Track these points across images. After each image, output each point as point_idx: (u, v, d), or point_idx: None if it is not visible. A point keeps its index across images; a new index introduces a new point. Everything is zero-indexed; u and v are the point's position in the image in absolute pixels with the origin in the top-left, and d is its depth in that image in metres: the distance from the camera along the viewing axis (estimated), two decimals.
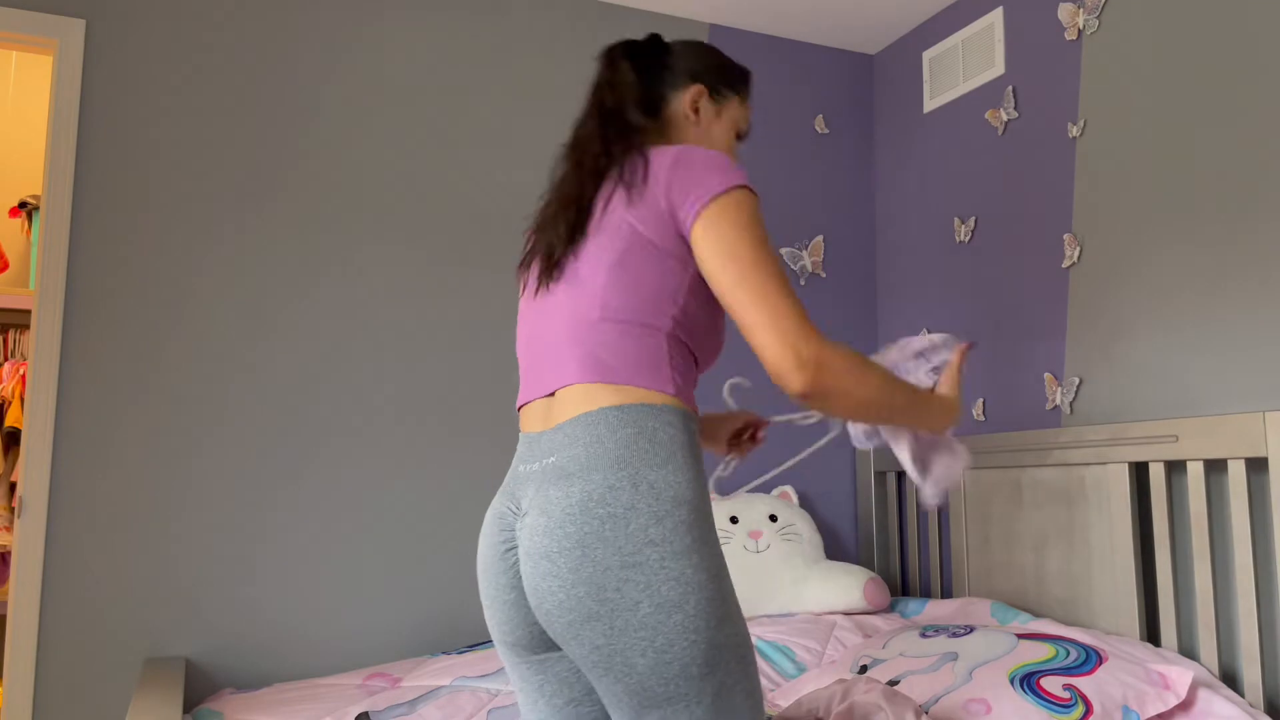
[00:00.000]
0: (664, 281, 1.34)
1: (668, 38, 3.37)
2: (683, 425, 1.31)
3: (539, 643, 1.34)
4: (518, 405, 1.45)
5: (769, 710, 2.08)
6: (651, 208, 1.34)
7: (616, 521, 1.20)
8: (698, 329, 1.37)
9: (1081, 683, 2.00)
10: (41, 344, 2.57)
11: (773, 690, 2.41)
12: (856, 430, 1.58)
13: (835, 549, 3.42)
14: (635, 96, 1.48)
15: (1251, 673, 2.18)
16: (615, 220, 1.36)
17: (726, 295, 1.29)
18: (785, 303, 1.26)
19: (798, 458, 1.55)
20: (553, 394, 1.36)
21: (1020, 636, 2.22)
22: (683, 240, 1.34)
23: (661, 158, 1.36)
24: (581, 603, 1.20)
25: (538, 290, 1.43)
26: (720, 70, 1.56)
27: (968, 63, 3.24)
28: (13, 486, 3.78)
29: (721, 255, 1.29)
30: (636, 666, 1.19)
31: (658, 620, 1.19)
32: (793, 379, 1.24)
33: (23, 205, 3.93)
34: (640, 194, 1.35)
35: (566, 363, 1.34)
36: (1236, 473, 2.22)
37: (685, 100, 1.52)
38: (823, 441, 1.66)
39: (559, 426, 1.32)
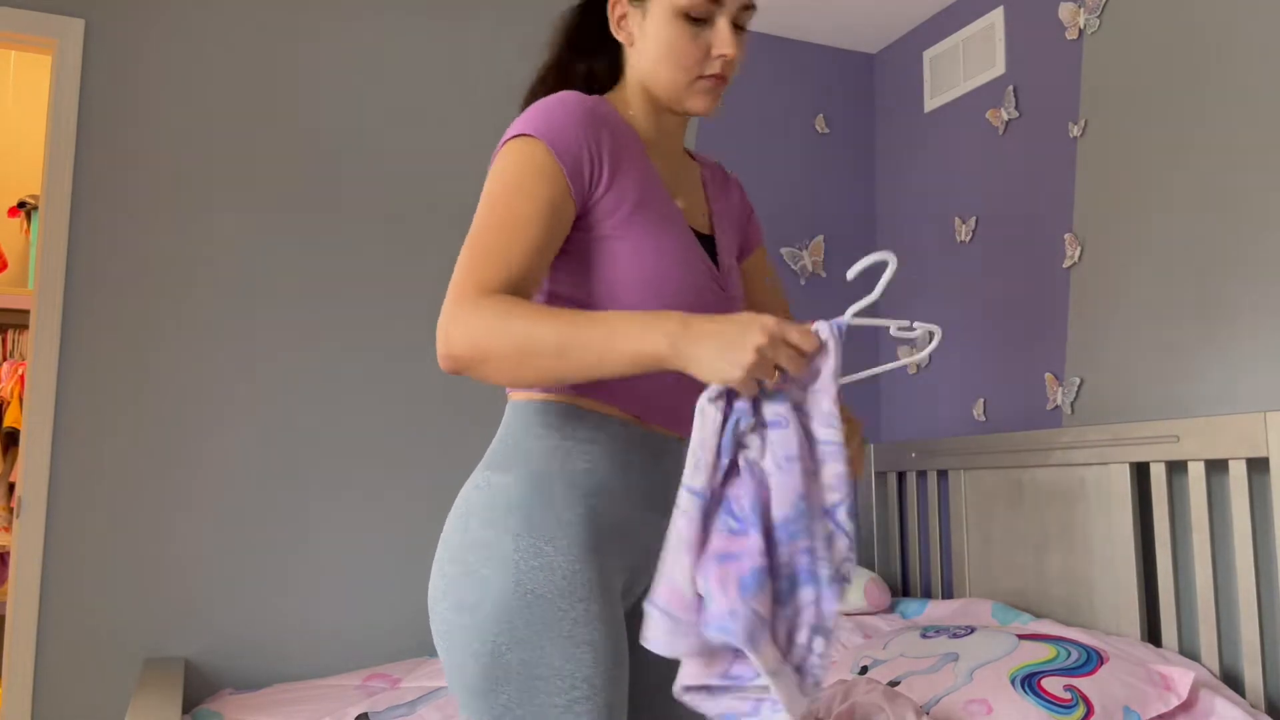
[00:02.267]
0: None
1: None
2: (547, 424, 1.18)
3: None
4: None
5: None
6: None
7: (459, 520, 1.16)
8: (595, 305, 1.18)
9: (1082, 683, 1.99)
10: (41, 344, 2.57)
11: None
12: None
13: None
14: (586, 45, 1.32)
15: (1253, 673, 2.17)
16: None
17: None
18: (462, 262, 1.10)
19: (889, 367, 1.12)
20: None
21: (1021, 637, 2.21)
22: None
23: None
24: (429, 594, 1.19)
25: None
26: None
27: (968, 62, 3.24)
28: (12, 486, 3.78)
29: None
30: (444, 665, 1.15)
31: (451, 618, 1.12)
32: (439, 351, 1.08)
33: (22, 205, 3.93)
34: None
35: None
36: (1237, 473, 2.22)
37: (612, 23, 1.30)
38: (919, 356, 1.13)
39: None
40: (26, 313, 3.94)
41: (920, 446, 3.18)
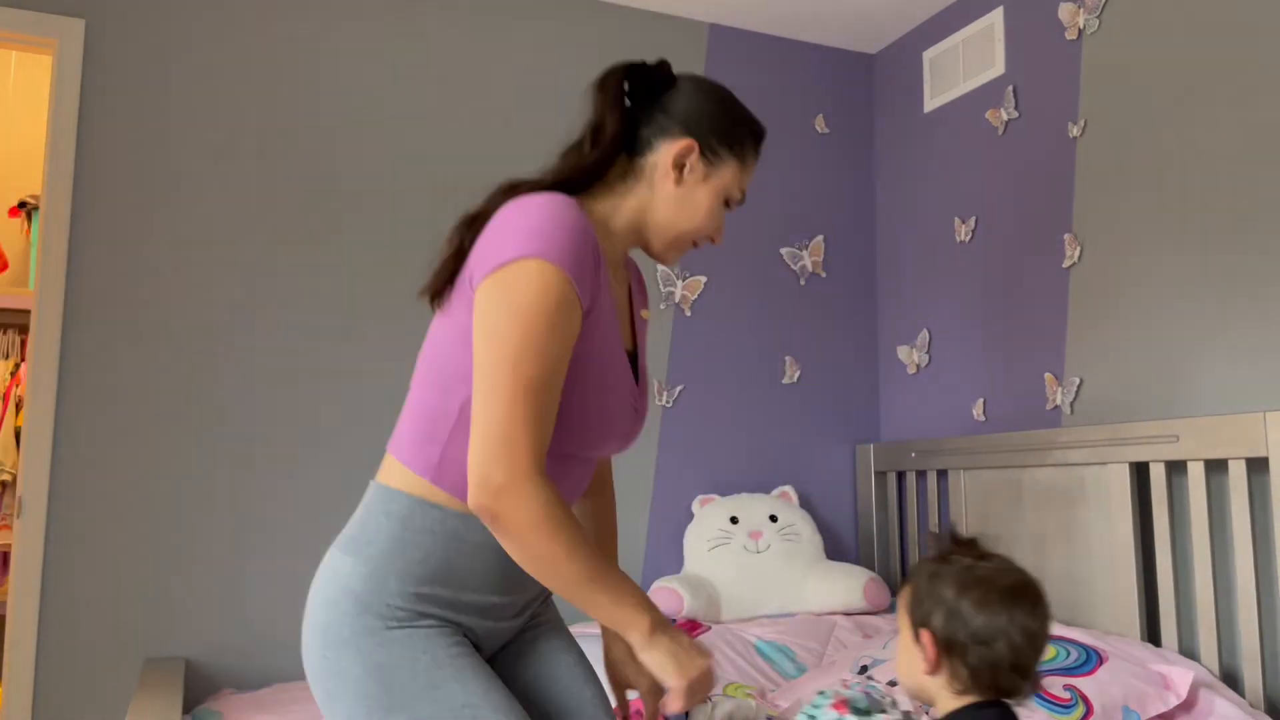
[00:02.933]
0: (458, 350, 1.23)
1: (667, 38, 3.37)
2: (391, 513, 1.23)
3: None
4: None
5: (769, 711, 2.08)
6: (462, 278, 1.24)
7: (312, 600, 1.25)
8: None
9: (1082, 683, 2.00)
10: (41, 344, 2.57)
11: (773, 690, 2.41)
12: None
13: (835, 549, 3.41)
14: (613, 143, 1.33)
15: (1252, 673, 2.17)
16: (452, 297, 1.26)
17: (475, 381, 1.16)
18: (514, 411, 1.12)
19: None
20: None
21: None
22: (471, 301, 1.22)
23: (510, 209, 1.23)
24: (305, 662, 1.26)
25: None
26: (724, 125, 1.35)
27: (968, 62, 3.24)
28: None
29: (480, 331, 1.16)
30: None
31: (327, 708, 1.21)
32: (473, 492, 1.13)
33: (22, 205, 3.93)
34: (476, 249, 1.24)
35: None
36: (1237, 473, 2.22)
37: (671, 153, 1.33)
38: None
39: None
40: (27, 313, 3.94)
41: (920, 446, 3.18)
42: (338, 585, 1.22)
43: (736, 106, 1.39)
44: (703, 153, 1.34)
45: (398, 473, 1.26)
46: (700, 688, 1.20)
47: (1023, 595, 1.19)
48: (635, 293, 1.48)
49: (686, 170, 1.34)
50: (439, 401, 1.24)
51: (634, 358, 1.40)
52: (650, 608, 1.19)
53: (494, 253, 1.19)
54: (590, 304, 1.22)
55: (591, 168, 1.33)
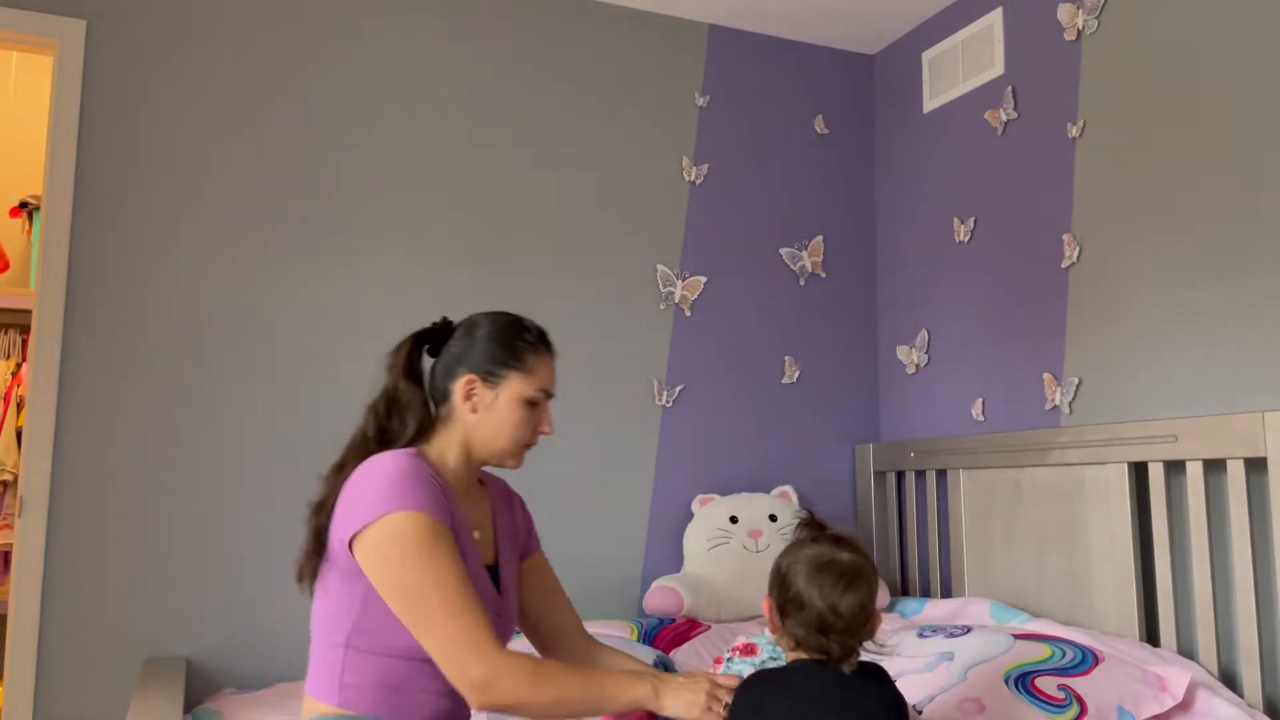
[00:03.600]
0: (339, 599, 1.45)
1: (667, 38, 3.38)
2: None
3: None
4: None
5: None
6: (335, 530, 1.45)
7: None
8: (391, 633, 1.43)
9: (1077, 683, 2.00)
10: (42, 344, 2.58)
11: None
12: None
13: None
14: (419, 402, 1.57)
15: (1250, 673, 2.18)
16: (332, 539, 1.48)
17: (404, 623, 1.38)
18: (451, 625, 1.35)
19: None
20: None
21: (1017, 637, 2.22)
22: (351, 559, 1.43)
23: (349, 481, 1.47)
24: None
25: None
26: (492, 351, 1.57)
27: (967, 63, 3.24)
28: None
29: (385, 586, 1.39)
30: None
31: None
32: (470, 697, 1.35)
33: (23, 205, 3.94)
34: (335, 517, 1.46)
35: None
36: (1235, 473, 2.22)
37: (459, 391, 1.56)
38: None
39: None
40: (28, 313, 3.95)
41: (919, 446, 3.18)
42: None
43: (506, 329, 1.59)
44: (483, 379, 1.56)
45: (315, 709, 1.48)
46: (716, 702, 1.41)
47: (827, 571, 1.44)
48: (496, 507, 1.69)
49: (476, 399, 1.56)
50: (327, 650, 1.46)
51: (495, 570, 1.61)
52: (642, 678, 1.43)
53: (358, 514, 1.41)
54: (452, 527, 1.46)
55: (412, 434, 1.56)
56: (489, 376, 1.56)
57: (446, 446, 1.57)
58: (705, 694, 1.41)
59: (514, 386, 1.56)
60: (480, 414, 1.56)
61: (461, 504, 1.55)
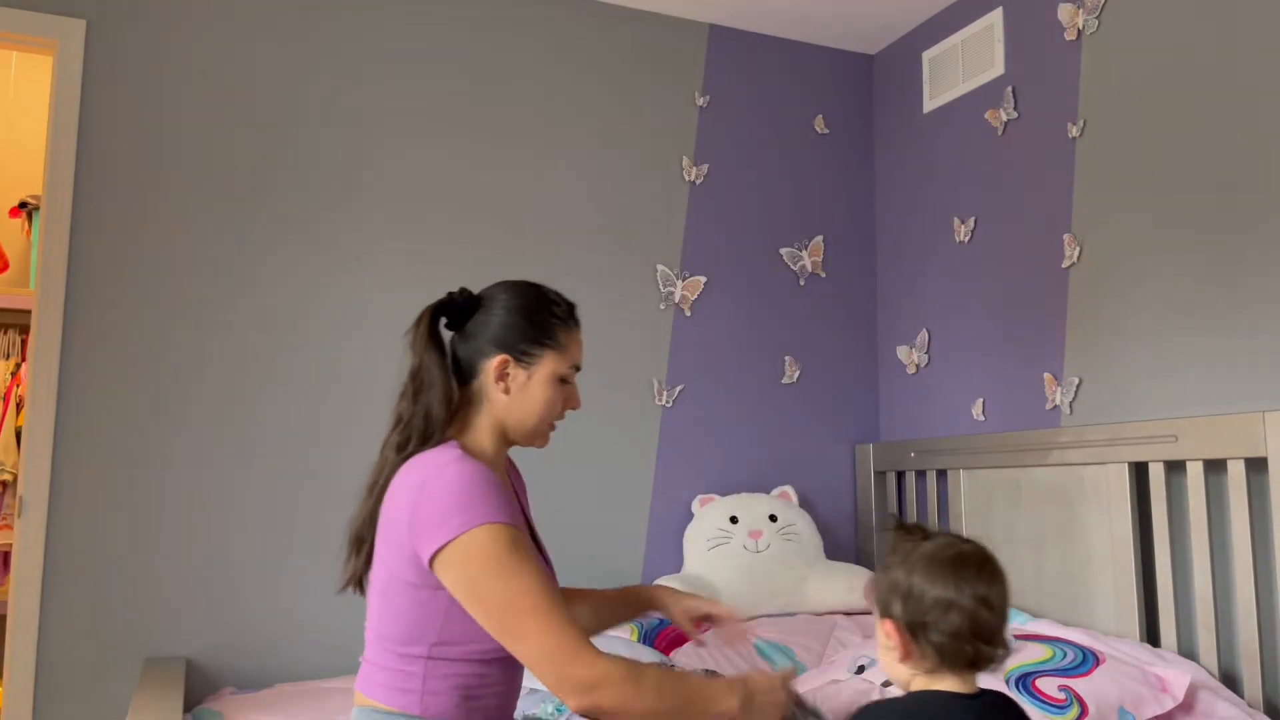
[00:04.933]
0: (418, 613, 1.42)
1: (667, 38, 3.37)
2: None
3: None
4: None
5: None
6: (399, 547, 1.41)
7: None
8: (475, 641, 1.42)
9: (1078, 684, 2.00)
10: (41, 344, 2.58)
11: None
12: None
13: (835, 549, 3.41)
14: (443, 379, 1.50)
15: (1251, 673, 2.18)
16: (380, 552, 1.46)
17: (493, 635, 1.36)
18: (548, 636, 1.32)
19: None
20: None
21: (1018, 637, 2.21)
22: (428, 574, 1.40)
23: (404, 491, 1.40)
24: None
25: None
26: (526, 329, 1.51)
27: (967, 63, 3.24)
28: None
29: (471, 600, 1.36)
30: None
31: None
32: (571, 702, 1.32)
33: (23, 205, 3.94)
34: (390, 529, 1.42)
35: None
36: (1236, 473, 2.22)
37: (491, 372, 1.50)
38: None
39: None
40: (28, 313, 3.95)
41: (920, 446, 3.18)
42: None
43: (535, 304, 1.53)
44: (517, 360, 1.50)
45: (380, 707, 1.44)
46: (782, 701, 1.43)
47: (967, 563, 1.24)
48: (514, 478, 1.70)
49: (510, 380, 1.51)
50: (404, 660, 1.44)
51: (534, 538, 1.62)
52: (732, 686, 1.39)
53: (436, 532, 1.36)
54: (520, 524, 1.43)
55: (446, 418, 1.49)
56: (523, 357, 1.50)
57: (480, 431, 1.53)
58: (781, 701, 1.42)
59: (548, 365, 1.51)
60: (513, 395, 1.51)
61: (506, 490, 1.51)
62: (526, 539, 1.40)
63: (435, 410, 1.48)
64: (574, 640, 1.32)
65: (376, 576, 1.47)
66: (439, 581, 1.39)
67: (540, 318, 1.52)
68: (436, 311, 1.54)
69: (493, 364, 1.49)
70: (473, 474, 1.39)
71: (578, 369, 1.56)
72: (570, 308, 1.56)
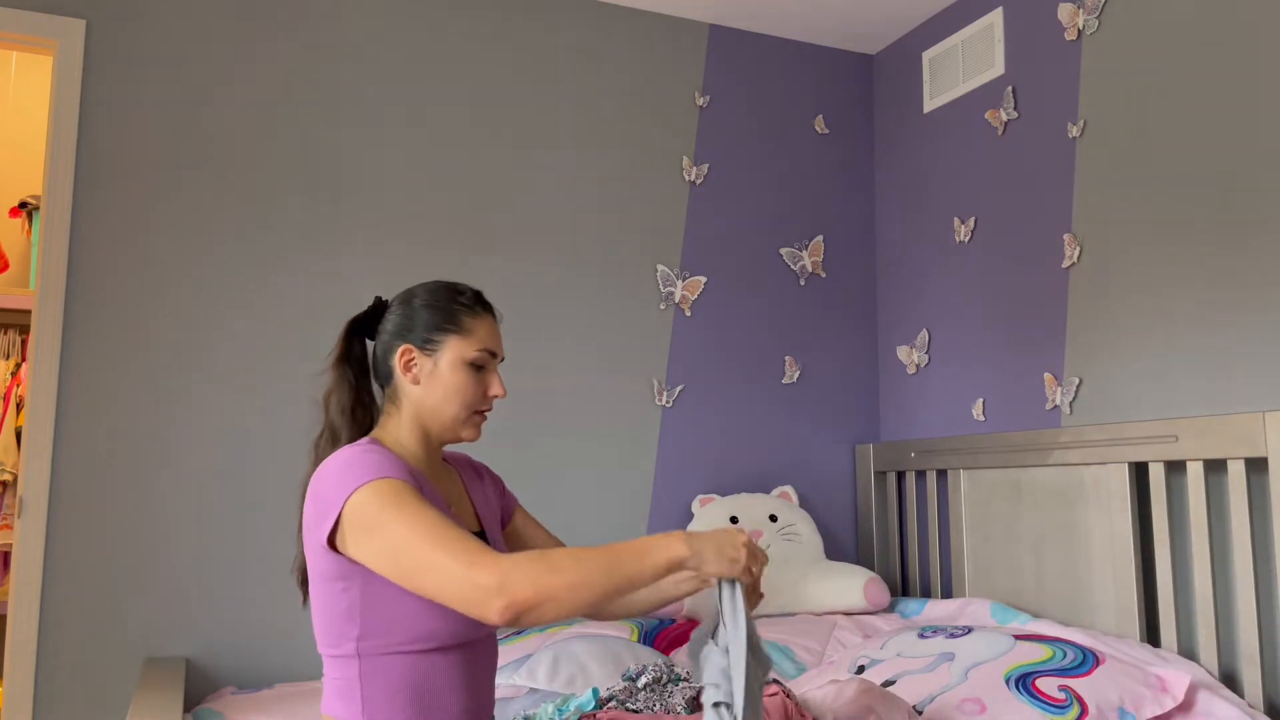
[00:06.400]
0: (335, 605, 1.39)
1: (667, 38, 3.37)
2: None
3: None
4: None
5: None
6: (311, 542, 1.40)
7: None
8: (400, 628, 1.38)
9: (1078, 684, 2.00)
10: (41, 344, 2.58)
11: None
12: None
13: (835, 549, 3.41)
14: (342, 388, 1.53)
15: (1251, 673, 2.17)
16: (306, 557, 1.45)
17: (404, 585, 1.30)
18: (443, 554, 1.26)
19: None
20: None
21: (1018, 637, 2.21)
22: (337, 559, 1.37)
23: (309, 488, 1.41)
24: None
25: None
26: (426, 316, 1.52)
27: (968, 63, 3.24)
28: None
29: (375, 557, 1.31)
30: None
31: None
32: (490, 613, 1.23)
33: (23, 205, 3.94)
34: (305, 528, 1.41)
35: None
36: (1236, 473, 2.22)
37: (398, 364, 1.52)
38: None
39: None
40: (28, 313, 3.95)
41: (920, 446, 3.18)
42: None
43: (436, 294, 1.54)
44: (420, 347, 1.51)
45: None
46: (754, 560, 1.36)
47: None
48: (468, 482, 1.66)
49: (416, 369, 1.51)
50: (339, 664, 1.41)
51: (483, 537, 1.59)
52: (669, 535, 1.32)
53: (325, 512, 1.35)
54: (420, 490, 1.41)
55: (348, 424, 1.53)
56: (426, 344, 1.51)
57: (400, 428, 1.53)
58: (745, 550, 1.34)
59: (453, 350, 1.51)
60: (423, 384, 1.51)
61: (433, 484, 1.51)
62: (418, 492, 1.36)
63: (335, 419, 1.52)
64: (472, 552, 1.25)
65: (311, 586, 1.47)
66: (344, 568, 1.37)
67: (444, 305, 1.53)
68: (353, 325, 1.57)
69: (398, 355, 1.51)
70: (363, 452, 1.39)
71: (494, 355, 1.55)
72: (476, 295, 1.56)
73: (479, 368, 1.53)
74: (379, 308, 1.58)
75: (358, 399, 1.54)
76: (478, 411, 1.55)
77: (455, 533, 1.29)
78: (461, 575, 1.24)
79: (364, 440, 1.46)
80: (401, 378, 1.52)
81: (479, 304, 1.56)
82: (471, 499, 1.63)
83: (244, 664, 2.68)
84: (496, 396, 1.55)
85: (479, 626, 1.44)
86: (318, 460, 1.50)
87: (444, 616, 1.39)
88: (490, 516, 1.65)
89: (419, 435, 1.53)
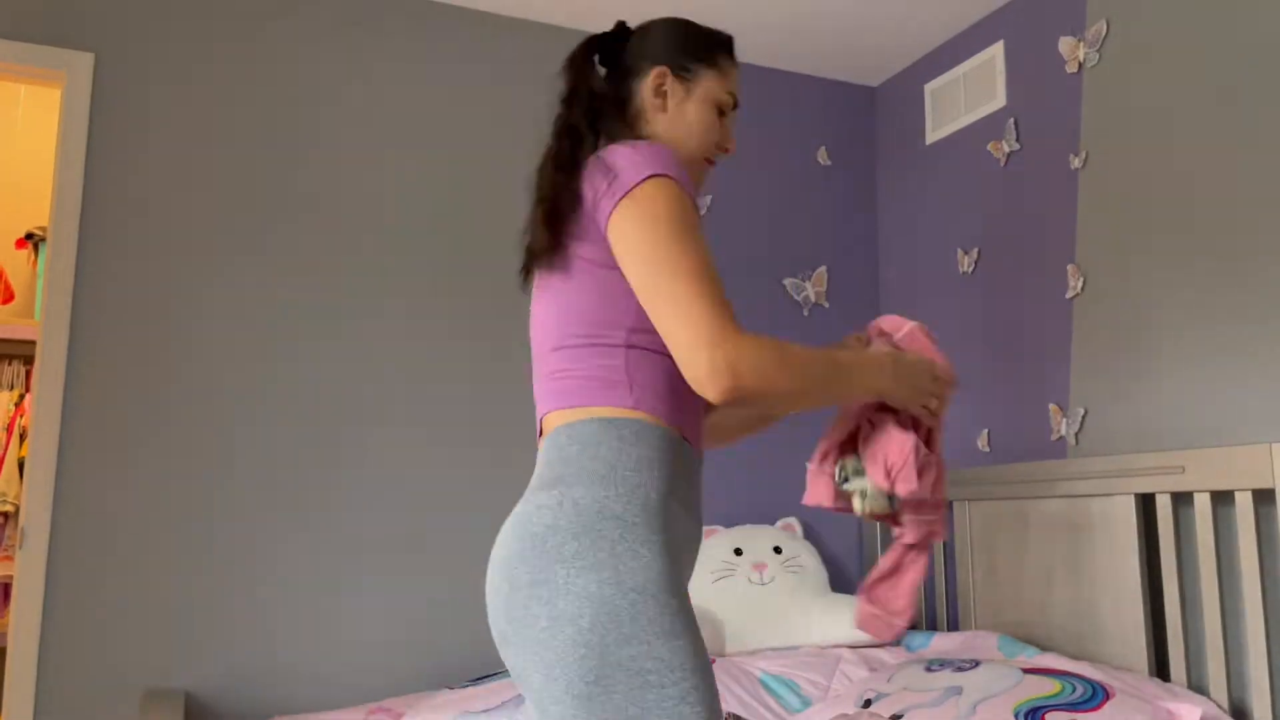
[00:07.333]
0: (607, 296, 1.29)
1: None
2: (637, 438, 1.25)
3: None
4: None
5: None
6: (588, 229, 1.30)
7: (535, 541, 1.18)
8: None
9: (1088, 719, 1.97)
10: (45, 375, 2.58)
11: None
12: None
13: (840, 581, 3.39)
14: (592, 106, 1.41)
15: (1261, 706, 2.15)
16: (568, 254, 1.32)
17: (644, 303, 1.22)
18: (697, 306, 1.18)
19: None
20: (541, 419, 1.36)
21: (1026, 671, 2.19)
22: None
23: (589, 170, 1.30)
24: (498, 624, 1.20)
25: (533, 302, 1.41)
26: (686, 44, 1.43)
27: (969, 95, 3.26)
28: None
29: (629, 259, 1.23)
30: (534, 684, 1.15)
31: (550, 635, 1.13)
32: (707, 388, 1.17)
33: (29, 236, 3.95)
34: (579, 220, 1.30)
35: (541, 391, 1.34)
36: (1244, 504, 2.21)
37: (647, 87, 1.41)
38: None
39: (539, 453, 1.32)
40: (32, 344, 3.95)
41: None
42: (590, 513, 1.18)
43: (693, 25, 1.46)
44: (675, 73, 1.41)
45: (599, 411, 1.27)
46: (943, 403, 1.49)
47: None
48: None
49: (669, 96, 1.41)
50: (602, 354, 1.29)
51: None
52: (879, 361, 1.38)
53: (618, 185, 1.25)
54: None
55: (601, 137, 1.41)
56: (681, 71, 1.41)
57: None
58: (937, 400, 1.48)
59: (708, 84, 1.42)
60: (671, 113, 1.41)
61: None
62: (699, 219, 1.28)
63: (613, 123, 1.43)
64: (720, 316, 1.18)
65: (553, 278, 1.34)
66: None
67: (701, 38, 1.44)
68: (589, 44, 1.45)
69: (650, 77, 1.41)
70: (666, 148, 1.29)
71: (736, 106, 1.47)
72: (730, 40, 1.48)
73: (721, 114, 1.45)
74: (622, 32, 1.47)
75: (612, 101, 1.43)
76: (709, 160, 1.46)
77: (719, 286, 1.21)
78: (700, 339, 1.17)
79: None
80: (649, 100, 1.41)
81: (732, 50, 1.48)
82: None
83: (243, 698, 2.66)
84: (727, 151, 1.47)
85: None
86: (588, 145, 1.38)
87: None
88: None
89: None
